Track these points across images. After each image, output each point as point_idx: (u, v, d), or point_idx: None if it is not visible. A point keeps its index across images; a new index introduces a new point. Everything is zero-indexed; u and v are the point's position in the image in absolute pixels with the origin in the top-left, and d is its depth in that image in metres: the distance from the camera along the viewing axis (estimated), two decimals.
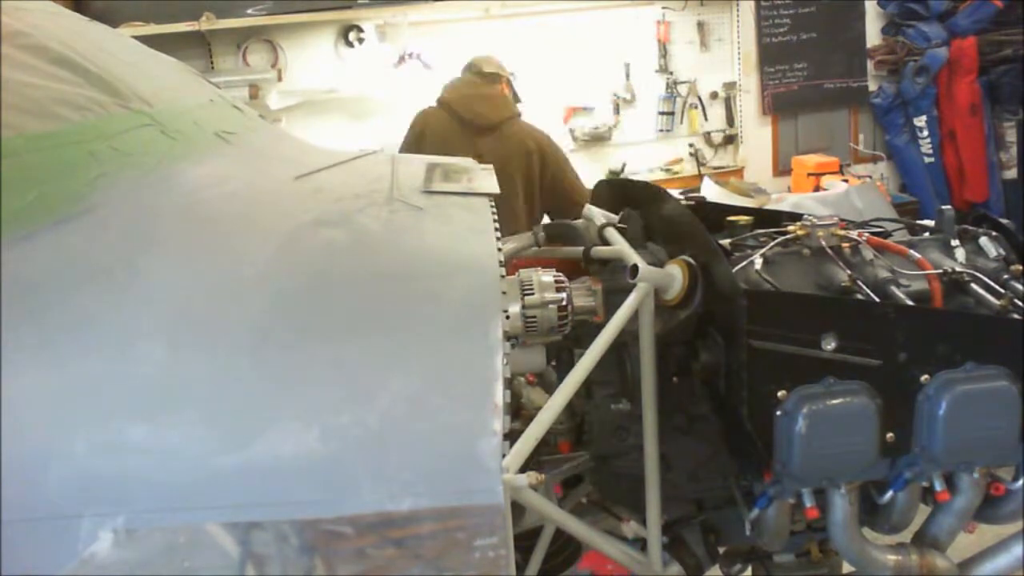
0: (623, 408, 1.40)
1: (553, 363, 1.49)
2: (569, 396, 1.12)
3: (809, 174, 4.50)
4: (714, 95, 4.78)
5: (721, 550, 1.55)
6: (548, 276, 1.28)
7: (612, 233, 1.47)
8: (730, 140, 4.85)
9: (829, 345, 1.22)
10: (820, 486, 1.29)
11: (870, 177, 4.58)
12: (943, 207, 1.53)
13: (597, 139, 4.52)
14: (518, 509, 1.32)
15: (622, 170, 4.46)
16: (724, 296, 1.25)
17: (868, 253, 1.40)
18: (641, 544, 1.40)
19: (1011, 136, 4.31)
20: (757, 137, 4.93)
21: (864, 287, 1.33)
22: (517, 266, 1.59)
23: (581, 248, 1.52)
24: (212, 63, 3.91)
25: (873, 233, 1.48)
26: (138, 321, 0.89)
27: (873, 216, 1.70)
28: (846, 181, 4.34)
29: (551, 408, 1.08)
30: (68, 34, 1.22)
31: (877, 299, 1.32)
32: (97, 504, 0.82)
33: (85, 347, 0.87)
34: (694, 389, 1.36)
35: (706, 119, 4.78)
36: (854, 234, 1.42)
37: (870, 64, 4.64)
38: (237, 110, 1.55)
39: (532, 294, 1.25)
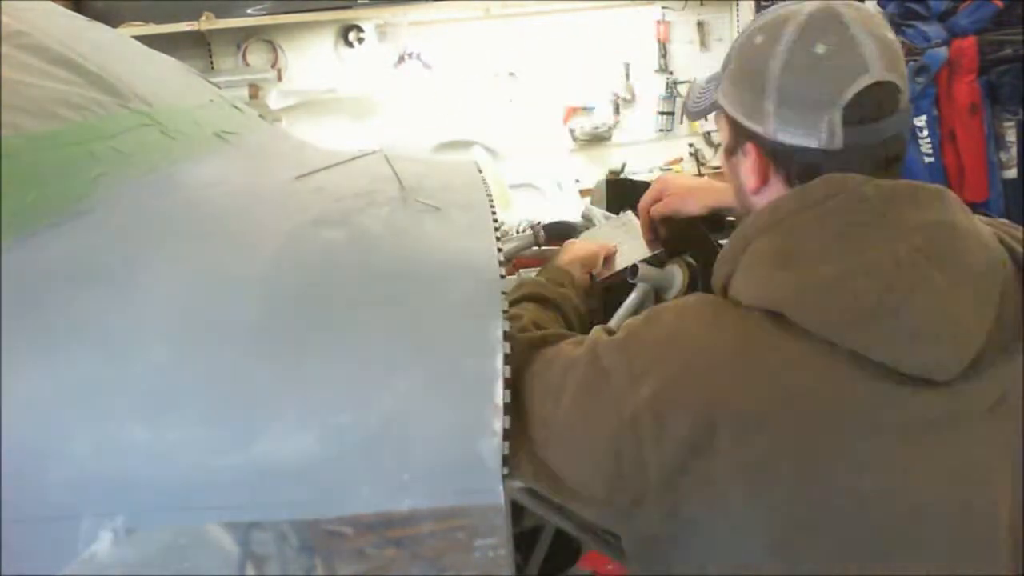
0: None
1: None
2: None
3: None
4: None
5: None
6: None
7: None
8: None
9: None
10: None
11: None
12: None
13: (597, 139, 4.51)
14: (518, 509, 1.31)
15: (622, 170, 4.44)
16: None
17: None
18: None
19: (1011, 136, 4.29)
20: None
21: None
22: (517, 266, 1.59)
23: None
24: (212, 63, 3.91)
25: None
26: (138, 321, 0.89)
27: None
28: None
29: None
30: (68, 34, 1.22)
31: None
32: (97, 504, 0.82)
33: (85, 347, 0.87)
34: None
35: (706, 119, 4.73)
36: None
37: None
38: (237, 110, 1.55)
39: None
